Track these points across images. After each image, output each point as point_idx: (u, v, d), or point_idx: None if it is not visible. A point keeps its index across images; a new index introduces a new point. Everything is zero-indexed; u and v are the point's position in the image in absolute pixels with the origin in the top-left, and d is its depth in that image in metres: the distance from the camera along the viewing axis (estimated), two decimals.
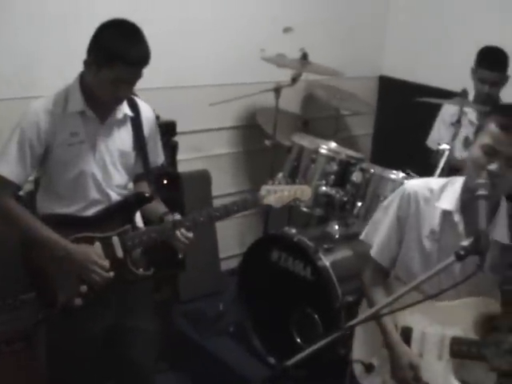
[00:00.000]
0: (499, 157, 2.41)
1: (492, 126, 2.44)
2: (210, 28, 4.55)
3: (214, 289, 4.68)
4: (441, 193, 2.65)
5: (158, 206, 3.03)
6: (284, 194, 3.01)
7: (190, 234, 2.88)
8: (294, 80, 4.33)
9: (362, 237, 2.92)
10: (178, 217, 2.92)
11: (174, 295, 4.44)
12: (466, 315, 2.59)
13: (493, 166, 2.40)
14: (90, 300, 2.84)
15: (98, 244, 2.85)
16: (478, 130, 2.55)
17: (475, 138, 2.54)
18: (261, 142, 4.45)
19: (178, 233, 2.86)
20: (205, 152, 4.78)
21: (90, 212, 2.89)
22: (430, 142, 4.70)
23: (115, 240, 2.86)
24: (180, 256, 3.30)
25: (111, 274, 2.82)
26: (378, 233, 2.81)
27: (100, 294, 2.84)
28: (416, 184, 2.74)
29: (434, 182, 2.74)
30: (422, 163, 4.13)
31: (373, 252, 2.82)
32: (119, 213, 2.92)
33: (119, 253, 2.86)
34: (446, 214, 2.61)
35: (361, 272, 2.92)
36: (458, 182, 2.63)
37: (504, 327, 2.55)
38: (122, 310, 2.98)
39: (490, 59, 4.39)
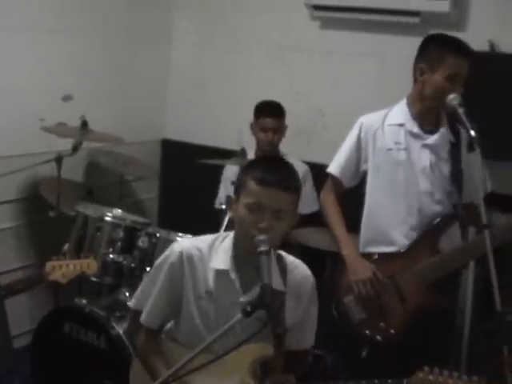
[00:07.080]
0: (266, 212, 2.43)
1: (252, 184, 2.46)
2: None
3: (7, 368, 4.49)
4: (211, 252, 2.62)
5: None
6: (70, 268, 3.03)
7: None
8: (75, 148, 4.32)
9: (131, 304, 2.82)
10: None
11: None
12: (241, 363, 2.57)
13: (263, 224, 2.42)
14: None
15: None
16: (238, 187, 2.56)
17: (236, 196, 2.55)
18: (45, 214, 4.36)
19: None
20: None
21: None
22: (218, 203, 4.79)
23: None
24: None
25: None
26: (148, 298, 2.69)
27: None
28: (185, 243, 2.67)
29: (200, 240, 2.68)
30: (211, 223, 4.20)
31: (143, 319, 2.70)
32: None
33: None
34: (221, 274, 2.57)
35: (135, 339, 2.82)
36: (227, 239, 2.63)
37: (279, 368, 2.55)
38: None
39: (268, 108, 4.69)
